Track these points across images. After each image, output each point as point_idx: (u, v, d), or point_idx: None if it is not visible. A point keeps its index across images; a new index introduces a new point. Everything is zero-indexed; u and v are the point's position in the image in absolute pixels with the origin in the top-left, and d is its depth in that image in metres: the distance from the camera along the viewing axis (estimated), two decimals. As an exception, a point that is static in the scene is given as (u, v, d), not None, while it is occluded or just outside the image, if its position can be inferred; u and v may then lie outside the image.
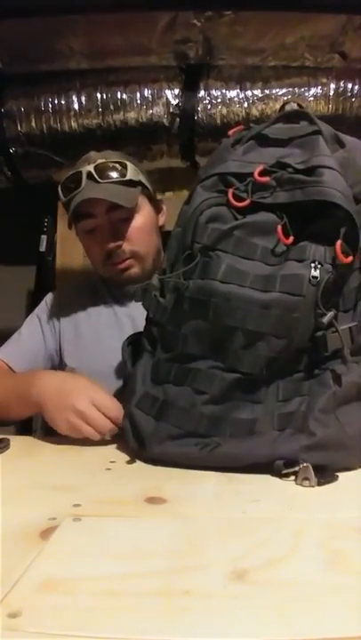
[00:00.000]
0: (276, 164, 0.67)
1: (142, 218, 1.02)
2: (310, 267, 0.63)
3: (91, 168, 0.97)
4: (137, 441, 0.71)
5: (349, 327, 0.66)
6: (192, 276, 0.67)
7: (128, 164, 1.00)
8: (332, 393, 0.65)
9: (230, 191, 0.67)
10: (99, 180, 0.97)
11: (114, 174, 0.98)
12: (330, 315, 0.64)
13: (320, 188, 0.64)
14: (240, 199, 0.67)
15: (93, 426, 0.78)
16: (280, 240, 0.65)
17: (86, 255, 1.09)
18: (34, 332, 1.08)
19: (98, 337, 1.03)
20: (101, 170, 0.98)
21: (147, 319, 0.76)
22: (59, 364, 1.06)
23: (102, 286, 1.10)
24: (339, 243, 0.62)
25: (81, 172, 0.97)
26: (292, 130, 0.71)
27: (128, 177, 0.99)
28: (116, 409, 0.79)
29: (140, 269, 1.01)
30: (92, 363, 0.99)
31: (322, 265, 0.63)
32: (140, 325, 0.78)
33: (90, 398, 0.79)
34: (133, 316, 0.77)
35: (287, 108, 0.76)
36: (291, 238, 0.65)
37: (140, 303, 0.75)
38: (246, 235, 0.67)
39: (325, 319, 0.63)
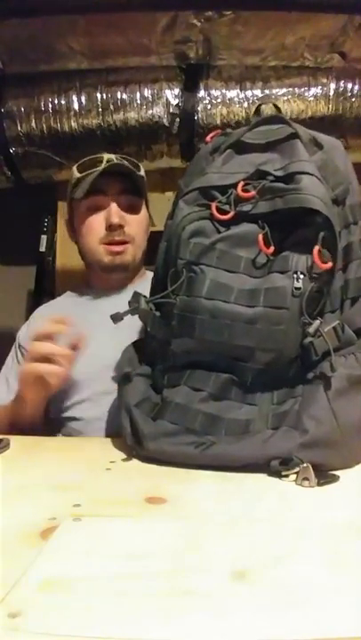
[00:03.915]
0: (256, 172, 0.67)
1: (144, 214, 1.09)
2: (293, 277, 0.63)
3: (111, 156, 1.05)
4: (134, 438, 0.71)
5: (333, 327, 0.66)
6: (180, 292, 0.67)
7: (141, 166, 1.09)
8: (323, 389, 0.65)
9: (214, 205, 0.67)
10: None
11: (131, 167, 1.05)
12: (316, 323, 0.64)
13: (299, 196, 0.64)
14: (223, 212, 0.67)
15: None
16: (261, 250, 0.65)
17: (84, 236, 1.07)
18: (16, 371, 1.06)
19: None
20: (120, 160, 1.05)
21: (145, 331, 0.76)
22: None
23: (85, 289, 1.14)
24: (316, 249, 0.63)
25: (102, 156, 1.04)
26: (270, 132, 0.71)
27: (141, 173, 1.07)
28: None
29: (132, 257, 1.06)
30: (84, 362, 0.95)
31: (304, 275, 0.63)
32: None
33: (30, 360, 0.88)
34: (120, 307, 0.77)
35: (262, 109, 0.78)
36: (272, 248, 0.65)
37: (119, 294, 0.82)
38: (229, 247, 0.67)
39: (311, 329, 0.64)
